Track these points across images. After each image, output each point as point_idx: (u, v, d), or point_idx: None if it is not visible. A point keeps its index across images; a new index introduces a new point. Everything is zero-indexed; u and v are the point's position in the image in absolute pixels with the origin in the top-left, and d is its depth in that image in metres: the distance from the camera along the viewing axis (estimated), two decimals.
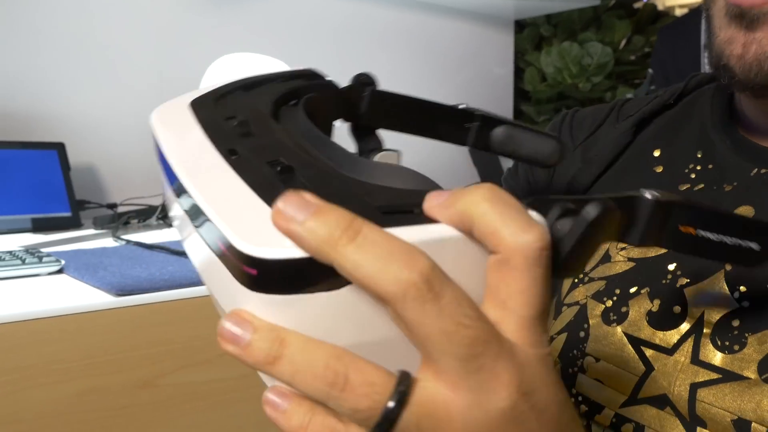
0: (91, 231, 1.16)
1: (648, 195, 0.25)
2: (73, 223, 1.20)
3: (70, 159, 1.24)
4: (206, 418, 0.75)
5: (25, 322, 0.62)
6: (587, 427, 0.45)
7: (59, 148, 1.22)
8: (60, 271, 0.83)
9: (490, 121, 0.43)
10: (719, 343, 0.40)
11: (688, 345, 0.41)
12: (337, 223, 0.21)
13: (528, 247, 0.22)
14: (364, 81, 0.40)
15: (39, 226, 1.15)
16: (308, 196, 0.21)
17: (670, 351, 0.42)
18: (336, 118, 0.40)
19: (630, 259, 0.47)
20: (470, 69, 1.99)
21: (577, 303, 0.48)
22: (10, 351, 0.63)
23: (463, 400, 0.22)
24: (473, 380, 0.22)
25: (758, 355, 0.39)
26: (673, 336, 0.42)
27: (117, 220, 1.17)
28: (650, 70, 1.77)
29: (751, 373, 0.39)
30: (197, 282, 0.77)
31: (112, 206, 1.31)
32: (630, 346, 0.43)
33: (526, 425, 0.23)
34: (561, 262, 0.23)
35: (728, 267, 0.42)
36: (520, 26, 2.23)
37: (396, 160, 0.39)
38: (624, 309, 0.45)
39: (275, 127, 0.29)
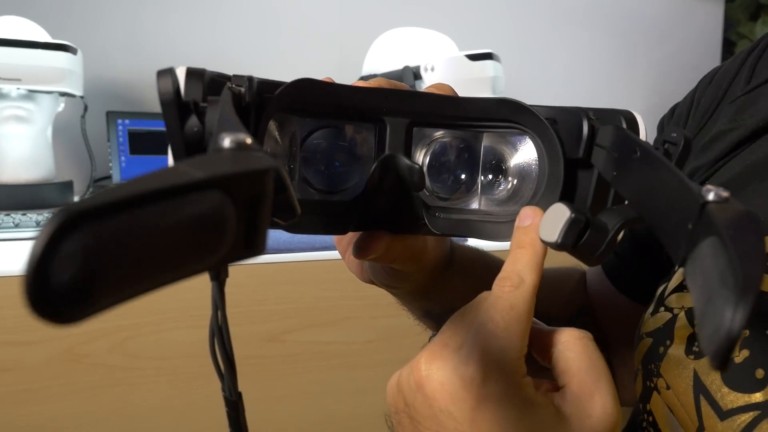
0: None
1: None
2: None
3: None
4: (329, 377, 0.78)
5: None
6: None
7: None
8: None
9: None
10: None
11: (744, 419, 0.32)
12: None
13: None
14: None
15: None
16: None
17: (722, 416, 0.33)
18: None
19: None
20: (671, 42, 1.80)
21: (671, 310, 0.39)
22: (153, 296, 0.70)
23: None
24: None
25: None
26: (735, 401, 0.33)
27: None
28: None
29: None
30: (329, 246, 0.79)
31: None
32: (692, 390, 0.35)
33: None
34: None
35: None
36: None
37: None
38: None
39: None
